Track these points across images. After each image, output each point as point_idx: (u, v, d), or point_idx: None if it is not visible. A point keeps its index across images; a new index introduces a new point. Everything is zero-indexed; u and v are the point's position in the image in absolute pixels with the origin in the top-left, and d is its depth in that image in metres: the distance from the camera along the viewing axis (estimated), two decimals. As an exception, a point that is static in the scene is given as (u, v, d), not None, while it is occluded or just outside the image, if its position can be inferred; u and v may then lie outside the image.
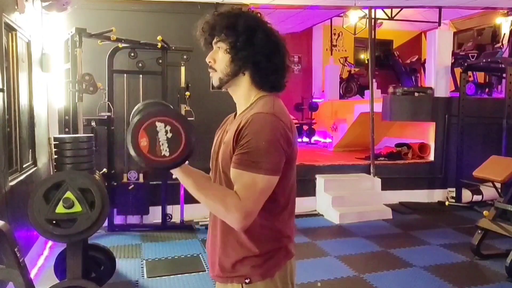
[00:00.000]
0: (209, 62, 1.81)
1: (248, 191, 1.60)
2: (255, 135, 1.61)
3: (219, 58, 1.78)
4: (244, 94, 1.82)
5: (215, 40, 1.79)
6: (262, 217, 1.69)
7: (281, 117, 1.68)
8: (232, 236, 1.75)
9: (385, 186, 7.96)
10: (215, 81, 1.82)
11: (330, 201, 7.35)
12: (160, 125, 1.54)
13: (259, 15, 1.81)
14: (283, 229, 1.79)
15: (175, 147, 1.55)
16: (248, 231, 1.70)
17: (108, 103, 6.15)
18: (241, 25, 1.72)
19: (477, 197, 8.11)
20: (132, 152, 1.55)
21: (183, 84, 6.39)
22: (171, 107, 1.99)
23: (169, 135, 1.54)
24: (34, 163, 5.31)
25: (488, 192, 7.66)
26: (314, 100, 12.92)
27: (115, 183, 6.35)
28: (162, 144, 1.54)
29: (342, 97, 12.46)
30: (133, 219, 6.60)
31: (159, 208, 6.48)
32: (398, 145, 9.24)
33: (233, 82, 1.80)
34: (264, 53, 1.73)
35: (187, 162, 1.65)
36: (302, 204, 7.38)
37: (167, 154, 1.54)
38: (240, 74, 1.78)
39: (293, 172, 1.79)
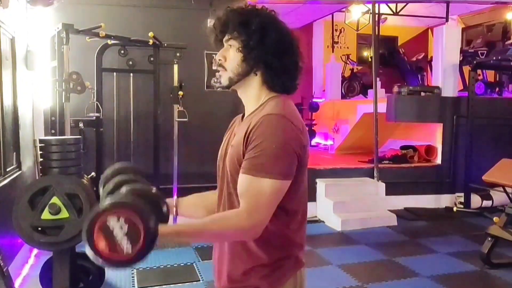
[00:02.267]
0: (219, 60, 1.81)
1: (258, 198, 1.61)
2: (265, 138, 1.62)
3: (230, 57, 1.79)
4: (254, 95, 1.82)
5: (226, 37, 1.80)
6: (272, 224, 1.70)
7: (292, 119, 1.68)
8: (240, 244, 1.76)
9: (389, 191, 7.97)
10: (224, 80, 1.81)
11: (332, 206, 7.35)
12: (112, 221, 1.45)
13: (273, 13, 1.82)
14: (293, 237, 1.79)
15: (135, 239, 1.45)
16: (259, 239, 1.70)
17: (96, 103, 6.15)
18: (255, 23, 1.73)
19: (487, 203, 8.12)
20: (94, 259, 1.49)
21: (176, 83, 6.39)
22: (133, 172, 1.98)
23: (125, 228, 1.45)
24: (19, 166, 5.31)
25: (499, 197, 7.69)
26: (314, 100, 12.93)
27: (104, 188, 6.33)
28: (121, 242, 1.45)
29: (344, 96, 12.48)
30: (123, 226, 6.59)
31: (151, 214, 6.46)
32: (404, 147, 9.26)
33: (243, 82, 1.81)
34: (277, 53, 1.74)
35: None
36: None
37: (130, 249, 1.45)
38: (251, 74, 1.79)
39: (305, 177, 1.80)
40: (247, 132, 1.67)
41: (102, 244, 1.45)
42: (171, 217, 1.90)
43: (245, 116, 1.85)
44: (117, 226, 1.45)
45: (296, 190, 1.74)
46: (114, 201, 1.53)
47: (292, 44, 1.79)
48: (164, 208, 1.80)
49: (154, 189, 1.83)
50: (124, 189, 1.76)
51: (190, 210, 2.02)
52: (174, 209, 1.96)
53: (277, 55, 1.74)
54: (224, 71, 1.81)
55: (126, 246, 1.45)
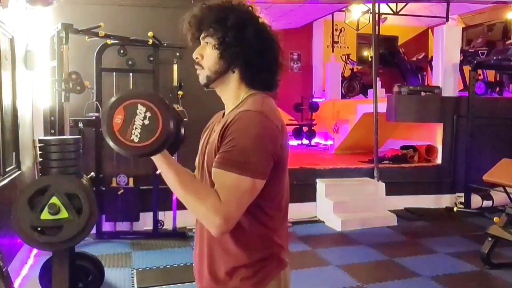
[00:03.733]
0: (196, 58, 1.79)
1: (229, 194, 1.57)
2: (240, 134, 1.59)
3: (206, 54, 1.76)
4: (233, 94, 1.79)
5: (203, 35, 1.77)
6: (251, 224, 1.69)
7: (270, 116, 1.65)
8: (220, 244, 1.73)
9: (389, 191, 7.97)
10: (202, 79, 1.79)
11: (332, 206, 7.35)
12: (141, 109, 1.51)
13: (250, 8, 1.77)
14: (274, 237, 1.77)
15: (147, 135, 1.50)
16: (236, 238, 1.69)
17: (96, 103, 6.15)
18: (231, 19, 1.69)
19: (487, 203, 8.13)
20: (102, 125, 1.53)
21: (175, 83, 6.39)
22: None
23: (147, 122, 1.50)
24: (18, 166, 5.31)
25: (499, 197, 7.69)
26: (314, 99, 12.95)
27: (104, 188, 6.35)
28: (135, 128, 1.50)
29: (344, 96, 12.50)
30: (122, 226, 6.60)
31: (150, 214, 6.48)
32: (404, 147, 9.27)
33: (221, 81, 1.78)
34: (255, 50, 1.71)
35: (175, 153, 1.64)
36: (301, 210, 7.41)
37: (136, 140, 1.50)
38: (229, 72, 1.76)
39: (285, 176, 1.77)
40: (223, 127, 1.64)
41: (118, 118, 1.51)
42: None
43: (225, 113, 1.84)
44: (141, 115, 1.51)
45: (276, 190, 1.72)
46: (155, 94, 1.56)
47: (270, 40, 1.76)
48: (183, 131, 1.80)
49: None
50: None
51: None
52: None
53: (255, 52, 1.71)
54: (202, 70, 1.79)
55: (135, 135, 1.51)
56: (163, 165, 1.61)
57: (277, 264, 1.79)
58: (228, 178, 1.57)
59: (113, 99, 1.54)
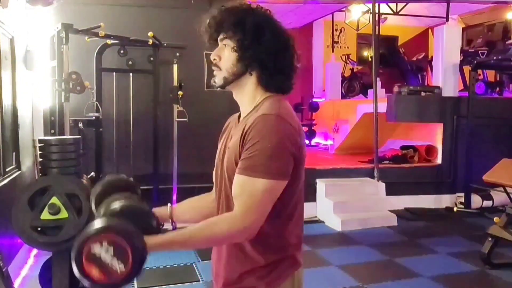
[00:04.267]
0: (214, 59, 1.80)
1: (253, 199, 1.60)
2: (261, 138, 1.61)
3: (225, 56, 1.77)
4: (249, 95, 1.81)
5: (221, 36, 1.78)
6: (268, 225, 1.70)
7: (288, 119, 1.68)
8: (237, 247, 1.75)
9: (389, 191, 7.97)
10: (219, 80, 1.80)
11: (332, 207, 7.36)
12: (96, 248, 1.48)
13: (268, 12, 1.80)
14: (290, 237, 1.80)
15: (124, 256, 1.48)
16: (254, 241, 1.71)
17: (96, 103, 6.15)
18: (250, 22, 1.71)
19: (488, 203, 8.12)
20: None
21: (175, 83, 6.40)
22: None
23: (111, 250, 1.48)
24: (18, 166, 5.31)
25: (499, 197, 7.68)
26: (314, 99, 12.95)
27: (104, 188, 6.33)
28: (112, 264, 1.48)
29: (344, 96, 12.49)
30: (122, 226, 6.58)
31: (150, 214, 6.46)
32: (404, 147, 9.27)
33: (238, 82, 1.79)
34: (273, 53, 1.73)
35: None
36: (302, 210, 7.40)
37: (123, 268, 1.48)
38: (246, 74, 1.77)
39: (301, 177, 1.79)
40: (243, 133, 1.66)
41: (94, 271, 1.48)
42: (169, 226, 1.91)
43: (241, 117, 1.85)
44: (103, 251, 1.48)
45: (293, 191, 1.75)
46: (93, 228, 1.53)
47: (287, 43, 1.78)
48: (153, 222, 1.78)
49: (141, 203, 1.83)
50: (109, 208, 1.75)
51: (185, 216, 2.03)
52: (170, 218, 1.97)
53: (273, 55, 1.73)
54: (219, 71, 1.79)
55: (118, 266, 1.48)
56: (163, 248, 1.68)
57: (292, 264, 1.82)
58: (251, 183, 1.61)
59: (73, 267, 1.50)
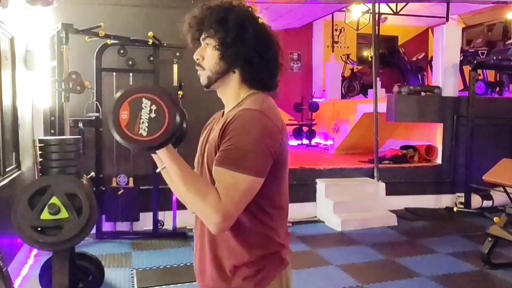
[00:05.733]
0: (197, 59, 1.80)
1: (228, 192, 1.58)
2: (239, 132, 1.60)
3: (207, 55, 1.77)
4: (233, 94, 1.80)
5: (203, 35, 1.78)
6: (251, 222, 1.70)
7: (270, 115, 1.66)
8: (222, 242, 1.75)
9: (389, 191, 7.97)
10: (203, 79, 1.80)
11: (332, 206, 7.35)
12: (146, 102, 1.52)
13: (250, 9, 1.78)
14: (274, 235, 1.78)
15: (155, 128, 1.52)
16: (238, 236, 1.71)
17: (96, 103, 6.15)
18: (231, 20, 1.71)
19: (487, 203, 8.13)
20: (109, 122, 1.55)
21: (175, 83, 6.39)
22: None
23: (153, 115, 1.52)
24: (18, 166, 5.31)
25: (499, 197, 7.70)
26: (314, 100, 12.95)
27: (104, 188, 6.34)
28: (142, 123, 1.51)
29: (344, 96, 12.50)
30: (122, 226, 6.60)
31: (150, 214, 6.48)
32: (404, 147, 9.27)
33: (222, 81, 1.79)
34: (256, 50, 1.72)
35: (176, 149, 1.65)
36: (301, 210, 7.41)
37: (144, 133, 1.52)
38: (230, 72, 1.77)
39: (285, 176, 1.78)
40: (223, 126, 1.66)
41: (124, 114, 1.53)
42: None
43: (225, 113, 1.85)
44: (147, 109, 1.52)
45: (275, 189, 1.74)
46: (159, 87, 1.58)
47: (270, 40, 1.77)
48: (184, 126, 1.77)
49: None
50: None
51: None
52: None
53: (255, 52, 1.72)
54: (203, 70, 1.80)
55: (143, 129, 1.52)
56: (168, 160, 1.62)
57: (279, 263, 1.80)
58: (227, 176, 1.59)
59: (117, 94, 1.56)
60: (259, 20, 1.78)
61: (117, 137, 1.55)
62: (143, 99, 1.53)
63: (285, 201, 1.83)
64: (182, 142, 1.86)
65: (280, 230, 1.80)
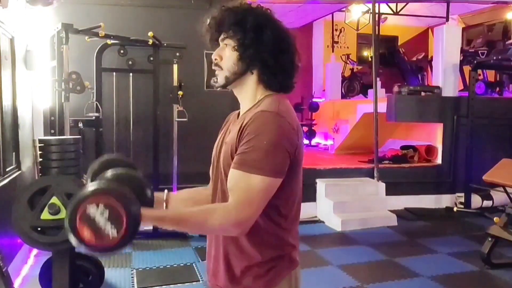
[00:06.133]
0: (215, 59, 1.81)
1: (247, 194, 1.61)
2: (258, 134, 1.62)
3: (226, 56, 1.79)
4: (250, 94, 1.82)
5: (222, 36, 1.80)
6: (265, 223, 1.71)
7: (286, 117, 1.68)
8: (234, 243, 1.76)
9: (389, 191, 7.97)
10: (221, 79, 1.81)
11: (332, 206, 7.36)
12: (92, 208, 1.46)
13: (268, 11, 1.81)
14: (287, 236, 1.80)
15: (118, 223, 1.46)
16: (251, 237, 1.72)
17: (96, 103, 6.16)
18: (250, 21, 1.73)
19: (487, 203, 8.12)
20: (81, 249, 1.50)
21: (175, 83, 6.39)
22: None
23: (106, 214, 1.46)
24: (18, 166, 5.31)
25: (499, 197, 7.69)
26: (314, 99, 12.94)
27: (104, 188, 6.33)
28: (105, 228, 1.45)
29: (344, 96, 12.50)
30: (122, 226, 6.58)
31: (150, 214, 6.46)
32: (404, 147, 9.27)
33: (239, 81, 1.81)
34: (273, 52, 1.74)
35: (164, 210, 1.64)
36: (302, 210, 7.38)
37: (115, 234, 1.46)
38: (247, 73, 1.79)
39: (299, 177, 1.80)
40: (241, 128, 1.68)
41: (86, 233, 1.46)
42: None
43: (241, 114, 1.86)
44: (98, 213, 1.46)
45: (290, 190, 1.75)
46: (91, 189, 1.52)
47: (288, 42, 1.79)
48: (149, 193, 1.79)
49: (138, 174, 1.84)
50: (106, 175, 1.77)
51: (181, 205, 2.01)
52: (164, 203, 1.93)
53: (273, 54, 1.74)
54: (221, 70, 1.81)
55: (110, 231, 1.46)
56: (155, 222, 1.65)
57: (289, 263, 1.82)
58: (246, 178, 1.61)
59: (65, 223, 1.50)
60: (277, 22, 1.80)
61: (98, 254, 1.54)
62: (87, 206, 1.47)
63: (298, 202, 1.86)
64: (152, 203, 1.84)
65: (292, 231, 1.83)
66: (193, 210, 1.69)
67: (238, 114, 1.90)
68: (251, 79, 1.80)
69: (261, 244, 1.74)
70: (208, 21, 1.81)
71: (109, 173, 1.77)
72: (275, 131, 1.63)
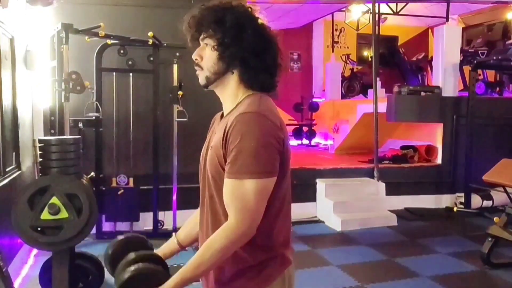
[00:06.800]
0: (196, 59, 1.80)
1: (244, 202, 1.61)
2: (242, 137, 1.60)
3: (206, 55, 1.77)
4: (231, 94, 1.80)
5: (202, 36, 1.78)
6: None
7: (268, 115, 1.66)
8: None
9: (389, 191, 7.98)
10: (201, 79, 1.80)
11: (332, 207, 7.35)
12: None
13: (249, 9, 1.77)
14: (277, 236, 1.78)
15: None
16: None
17: (96, 103, 6.15)
18: (230, 20, 1.70)
19: (487, 203, 8.12)
20: None
21: (175, 83, 6.38)
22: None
23: None
24: (18, 166, 5.31)
25: (499, 197, 7.69)
26: (314, 99, 12.95)
27: (104, 188, 6.33)
28: None
29: (344, 96, 12.50)
30: (122, 226, 6.59)
31: (150, 214, 6.47)
32: (404, 147, 9.27)
33: (220, 81, 1.79)
34: (254, 51, 1.71)
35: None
36: (302, 210, 7.41)
37: None
38: (228, 73, 1.76)
39: (287, 174, 1.77)
40: (224, 132, 1.66)
41: None
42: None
43: (224, 115, 1.84)
44: None
45: (278, 188, 1.72)
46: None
47: (269, 41, 1.76)
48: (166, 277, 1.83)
49: (151, 265, 1.94)
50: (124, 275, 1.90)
51: (193, 235, 2.09)
52: (178, 246, 2.10)
53: (254, 53, 1.71)
54: (201, 71, 1.79)
55: None
56: (182, 285, 1.71)
57: (281, 263, 1.80)
58: (240, 186, 1.61)
59: None
60: (258, 20, 1.77)
61: None
62: None
63: (288, 200, 1.83)
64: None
65: (283, 229, 1.81)
66: (199, 253, 1.71)
67: (222, 114, 1.88)
68: (232, 79, 1.78)
69: (252, 247, 1.71)
70: (188, 20, 1.80)
71: (125, 274, 1.91)
72: (259, 131, 1.61)
